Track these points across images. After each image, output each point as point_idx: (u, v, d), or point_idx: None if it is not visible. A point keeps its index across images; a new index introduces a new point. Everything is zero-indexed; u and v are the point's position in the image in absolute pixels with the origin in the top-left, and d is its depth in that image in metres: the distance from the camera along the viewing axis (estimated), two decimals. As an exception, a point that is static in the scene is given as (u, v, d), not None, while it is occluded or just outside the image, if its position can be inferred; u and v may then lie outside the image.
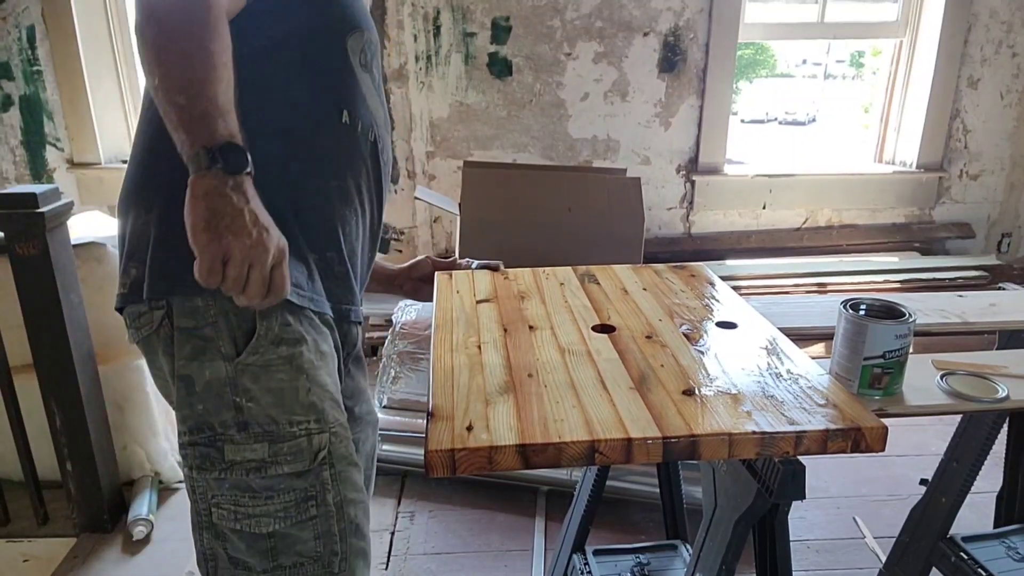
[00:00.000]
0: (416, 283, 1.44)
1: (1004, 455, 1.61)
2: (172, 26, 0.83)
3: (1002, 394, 1.03)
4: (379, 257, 1.28)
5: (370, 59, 1.06)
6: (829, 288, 3.23)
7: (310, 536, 0.97)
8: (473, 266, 1.47)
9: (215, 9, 0.84)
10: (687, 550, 1.55)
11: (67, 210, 1.84)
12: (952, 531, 1.55)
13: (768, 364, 1.02)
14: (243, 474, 0.95)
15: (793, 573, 1.02)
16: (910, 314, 1.02)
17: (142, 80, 3.41)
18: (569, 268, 1.51)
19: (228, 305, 0.91)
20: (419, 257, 1.44)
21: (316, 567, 0.98)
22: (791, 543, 1.01)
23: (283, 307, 0.94)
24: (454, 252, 2.69)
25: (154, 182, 0.97)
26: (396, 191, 3.37)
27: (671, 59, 3.32)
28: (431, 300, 1.37)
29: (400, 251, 3.47)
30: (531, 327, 1.18)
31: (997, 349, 1.42)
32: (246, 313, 0.94)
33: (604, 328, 1.17)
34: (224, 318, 0.94)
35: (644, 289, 1.37)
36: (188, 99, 0.81)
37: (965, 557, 1.49)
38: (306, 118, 1.01)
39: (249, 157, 0.83)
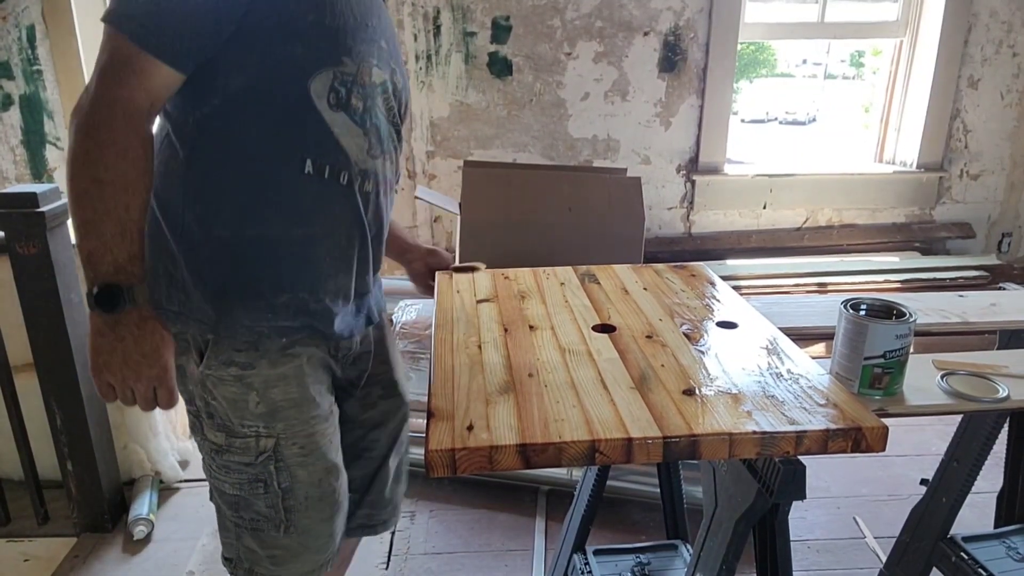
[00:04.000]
0: (425, 268, 1.50)
1: (1004, 455, 1.61)
2: (71, 165, 0.93)
3: (1002, 394, 1.03)
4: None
5: (347, 94, 1.04)
6: (830, 288, 3.23)
7: (262, 504, 1.17)
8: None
9: (114, 130, 0.92)
10: (687, 550, 1.55)
11: (67, 210, 1.84)
12: (952, 531, 1.55)
13: (768, 364, 1.02)
14: (211, 450, 1.16)
15: (793, 573, 1.02)
16: (910, 314, 1.02)
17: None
18: (569, 268, 1.51)
19: (197, 329, 1.09)
20: (441, 249, 1.50)
21: (268, 524, 1.18)
22: (791, 543, 1.01)
23: (238, 336, 1.09)
24: (454, 251, 2.68)
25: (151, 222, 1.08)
26: (397, 190, 3.37)
27: (671, 59, 3.32)
28: (426, 291, 1.49)
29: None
30: (531, 327, 1.18)
31: (997, 349, 1.42)
32: (206, 340, 1.09)
33: (604, 328, 1.17)
34: (194, 336, 1.10)
35: (644, 289, 1.37)
36: (80, 239, 0.95)
37: (965, 557, 1.49)
38: (267, 171, 1.04)
39: (135, 294, 0.97)
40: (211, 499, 1.23)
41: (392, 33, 1.18)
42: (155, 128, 1.04)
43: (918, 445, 2.46)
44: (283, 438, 1.14)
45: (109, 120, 0.92)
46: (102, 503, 2.01)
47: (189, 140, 1.03)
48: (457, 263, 1.51)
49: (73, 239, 1.00)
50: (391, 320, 2.43)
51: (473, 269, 1.49)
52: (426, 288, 1.51)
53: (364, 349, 1.28)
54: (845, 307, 1.03)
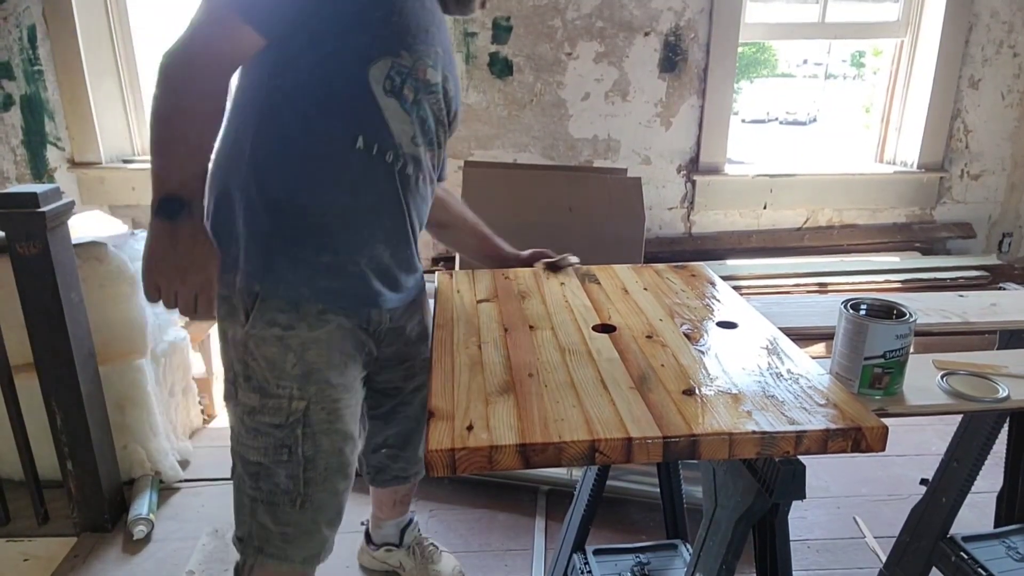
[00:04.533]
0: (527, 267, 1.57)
1: (1004, 455, 1.61)
2: (158, 95, 1.07)
3: (1003, 394, 1.03)
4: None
5: (401, 83, 1.17)
6: (830, 288, 3.23)
7: (283, 474, 1.25)
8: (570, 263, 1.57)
9: (199, 73, 1.08)
10: (687, 550, 1.55)
11: (68, 209, 1.84)
12: (952, 531, 1.55)
13: (768, 364, 1.02)
14: (243, 413, 1.26)
15: (793, 573, 1.02)
16: (911, 314, 1.02)
17: (143, 79, 3.44)
18: (569, 268, 1.51)
19: (245, 284, 1.20)
20: (539, 249, 1.61)
21: (284, 499, 1.27)
22: (791, 543, 1.01)
23: (282, 298, 1.21)
24: (454, 251, 2.69)
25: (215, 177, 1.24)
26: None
27: (672, 59, 3.32)
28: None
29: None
30: (531, 327, 1.18)
31: (998, 349, 1.42)
32: (253, 295, 1.21)
33: (604, 328, 1.17)
34: (242, 294, 1.21)
35: (645, 289, 1.37)
36: (154, 155, 1.09)
37: (965, 557, 1.49)
38: (322, 143, 1.18)
39: (192, 208, 1.09)
40: (232, 475, 1.32)
41: (448, 46, 1.31)
42: (232, 95, 1.20)
43: (918, 445, 2.46)
44: (314, 402, 1.24)
45: (197, 65, 1.07)
46: (102, 503, 2.01)
47: (260, 107, 1.18)
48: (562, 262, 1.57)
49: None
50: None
51: (565, 264, 1.54)
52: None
53: (395, 325, 1.39)
54: (845, 307, 1.03)
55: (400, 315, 1.40)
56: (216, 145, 1.19)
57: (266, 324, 1.21)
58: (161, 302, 1.13)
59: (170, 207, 1.08)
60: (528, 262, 1.59)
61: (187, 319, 1.16)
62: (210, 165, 1.17)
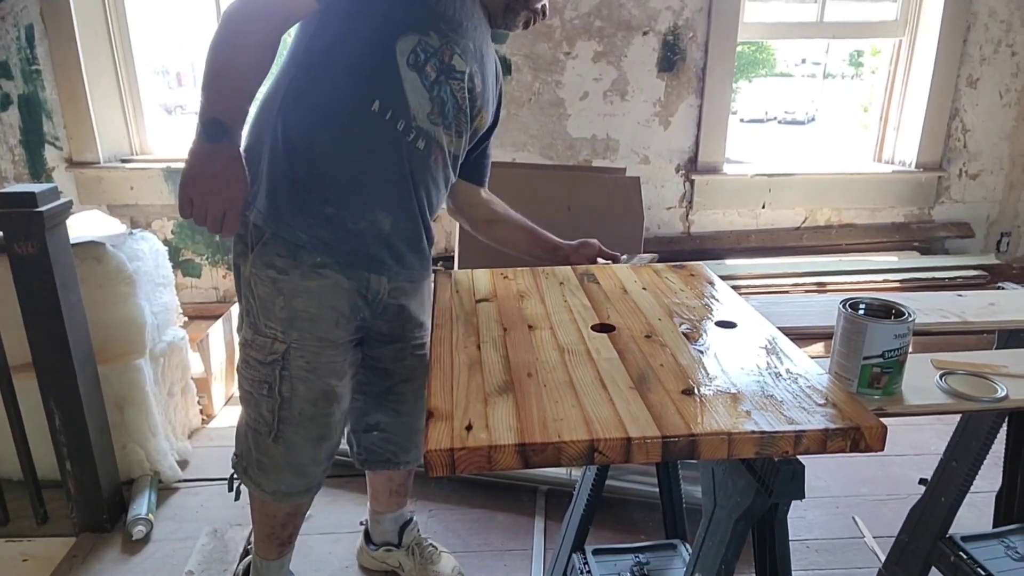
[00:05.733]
0: (584, 261, 1.58)
1: (1003, 455, 1.61)
2: (217, 34, 1.19)
3: (1001, 394, 1.03)
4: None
5: (424, 60, 1.26)
6: (828, 287, 3.23)
7: (264, 407, 1.40)
8: (632, 261, 1.57)
9: (255, 22, 1.19)
10: (687, 550, 1.55)
11: (66, 209, 1.84)
12: (951, 531, 1.55)
13: (767, 363, 1.02)
14: (242, 344, 1.41)
15: (792, 573, 1.02)
16: (909, 313, 1.02)
17: (141, 79, 3.43)
18: (568, 267, 1.51)
19: (254, 221, 1.32)
20: (590, 240, 1.61)
21: (264, 428, 1.41)
22: (790, 543, 1.01)
23: (281, 242, 1.31)
24: (454, 251, 2.68)
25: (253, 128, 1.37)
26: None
27: (670, 58, 3.32)
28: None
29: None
30: (530, 326, 1.18)
31: (996, 349, 1.42)
32: (259, 233, 1.32)
33: (603, 327, 1.17)
34: (251, 233, 1.33)
35: (643, 288, 1.37)
36: (205, 84, 1.20)
37: (964, 557, 1.49)
38: (342, 101, 1.28)
39: (232, 135, 1.21)
40: (240, 400, 1.48)
41: (485, 44, 1.39)
42: (283, 56, 1.32)
43: (917, 445, 2.46)
44: (294, 347, 1.35)
45: (255, 14, 1.20)
46: (101, 503, 2.01)
47: (297, 62, 1.30)
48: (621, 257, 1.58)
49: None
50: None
51: (615, 260, 1.56)
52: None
53: (395, 302, 1.45)
54: (844, 307, 1.03)
55: (403, 293, 1.46)
56: (261, 94, 1.32)
57: (264, 264, 1.32)
58: (193, 217, 1.24)
59: (214, 130, 1.20)
60: (582, 255, 1.58)
61: (214, 233, 1.27)
62: (252, 109, 1.28)
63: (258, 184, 1.32)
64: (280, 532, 1.58)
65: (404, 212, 1.37)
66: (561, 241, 1.62)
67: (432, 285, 1.52)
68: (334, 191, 1.30)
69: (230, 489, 1.59)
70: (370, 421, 1.64)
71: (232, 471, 1.53)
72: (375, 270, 1.38)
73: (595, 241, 1.60)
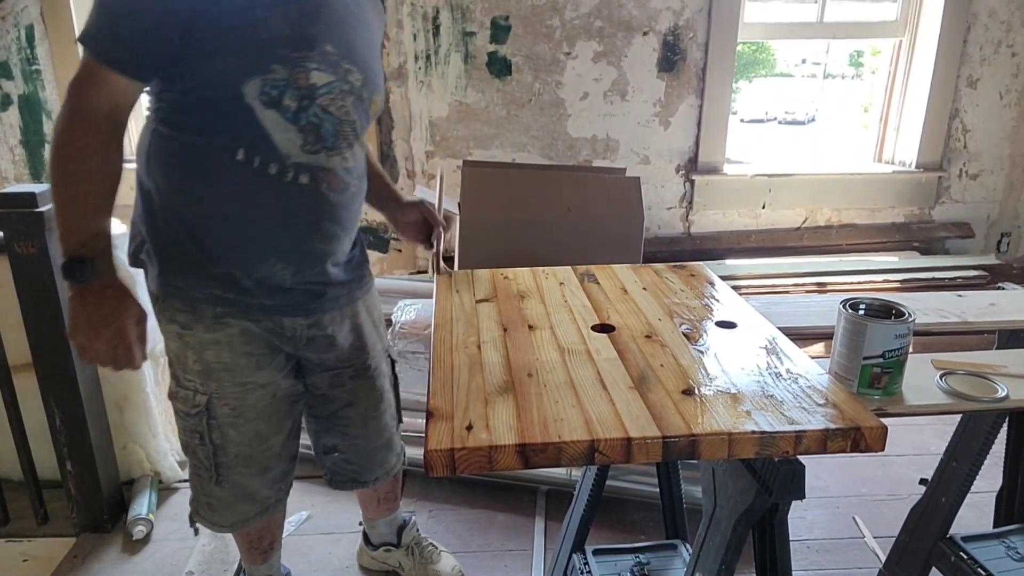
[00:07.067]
0: (418, 216, 1.57)
1: (1004, 455, 1.61)
2: (48, 161, 1.13)
3: (1001, 394, 1.03)
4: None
5: (279, 94, 1.15)
6: (829, 288, 3.23)
7: (201, 454, 1.37)
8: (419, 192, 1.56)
9: (76, 131, 1.11)
10: (687, 550, 1.55)
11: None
12: (952, 531, 1.55)
13: (768, 364, 1.02)
14: (169, 395, 1.37)
15: (793, 573, 1.02)
16: (909, 314, 1.02)
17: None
18: (569, 268, 1.51)
19: (149, 285, 1.29)
20: (421, 202, 1.59)
21: (205, 474, 1.39)
22: (791, 543, 1.01)
23: (179, 299, 1.26)
24: (453, 251, 2.68)
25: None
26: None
27: (670, 58, 3.32)
28: (406, 233, 1.60)
29: (400, 250, 3.47)
30: (531, 327, 1.18)
31: (996, 349, 1.42)
32: (155, 296, 1.29)
33: (604, 328, 1.17)
34: (149, 293, 1.31)
35: (644, 289, 1.37)
36: (56, 221, 1.14)
37: (965, 557, 1.49)
38: (206, 156, 1.19)
39: (96, 265, 1.14)
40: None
41: (351, 33, 1.24)
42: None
43: (917, 445, 2.46)
44: (216, 397, 1.31)
45: (73, 123, 1.11)
46: (101, 503, 2.01)
47: (155, 127, 1.22)
48: (442, 255, 1.57)
49: None
50: (389, 320, 2.43)
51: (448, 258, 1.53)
52: (416, 239, 1.60)
53: (320, 333, 1.38)
54: (844, 307, 1.03)
55: (331, 322, 1.39)
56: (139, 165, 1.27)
57: (167, 320, 1.29)
58: (94, 361, 1.19)
59: (74, 270, 1.13)
60: (416, 211, 1.57)
61: (114, 371, 1.22)
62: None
63: (141, 250, 1.29)
64: (259, 543, 1.58)
65: (306, 257, 1.29)
66: (396, 194, 1.59)
67: (376, 299, 1.53)
68: (219, 250, 1.23)
69: (191, 525, 1.53)
70: (327, 444, 1.59)
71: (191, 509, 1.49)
72: (286, 313, 1.31)
73: (428, 205, 1.58)
